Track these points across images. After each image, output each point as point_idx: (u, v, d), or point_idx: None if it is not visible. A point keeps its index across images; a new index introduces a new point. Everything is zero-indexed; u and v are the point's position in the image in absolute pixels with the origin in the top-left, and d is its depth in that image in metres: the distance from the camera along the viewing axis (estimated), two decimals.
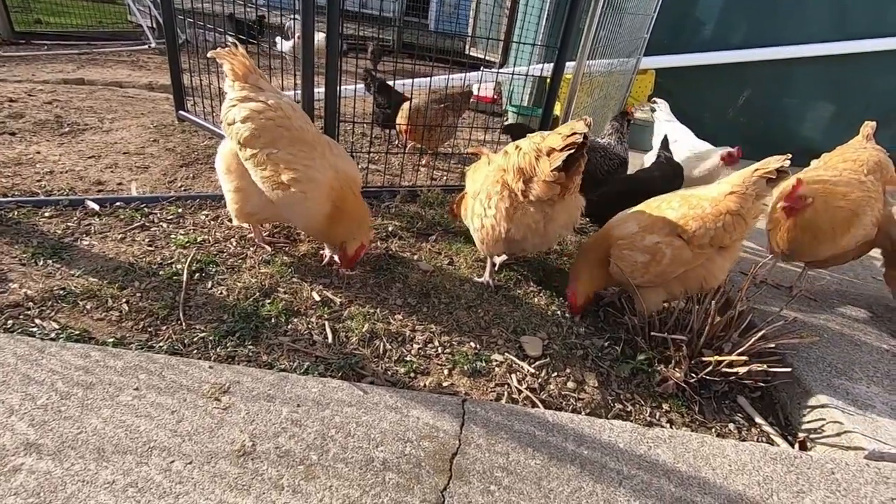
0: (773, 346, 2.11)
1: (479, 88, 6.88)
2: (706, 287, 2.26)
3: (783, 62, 6.25)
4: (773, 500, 1.58)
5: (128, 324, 1.96)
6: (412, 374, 1.98)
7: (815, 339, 2.37)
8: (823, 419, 2.00)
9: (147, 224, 2.66)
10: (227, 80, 2.27)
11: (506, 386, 2.01)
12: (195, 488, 1.34)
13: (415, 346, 2.13)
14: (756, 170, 2.06)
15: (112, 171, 3.29)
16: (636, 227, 2.25)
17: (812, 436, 2.00)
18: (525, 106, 6.08)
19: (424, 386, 1.93)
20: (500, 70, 5.30)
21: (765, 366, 2.06)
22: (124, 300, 2.06)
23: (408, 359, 2.05)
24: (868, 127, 3.01)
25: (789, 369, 2.08)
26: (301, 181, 2.15)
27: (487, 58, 8.53)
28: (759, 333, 2.09)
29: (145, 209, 2.79)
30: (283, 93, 2.34)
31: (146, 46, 8.18)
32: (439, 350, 2.13)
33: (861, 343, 2.47)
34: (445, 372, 2.02)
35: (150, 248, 2.44)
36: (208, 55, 2.32)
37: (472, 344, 2.19)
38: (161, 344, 1.88)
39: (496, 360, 2.12)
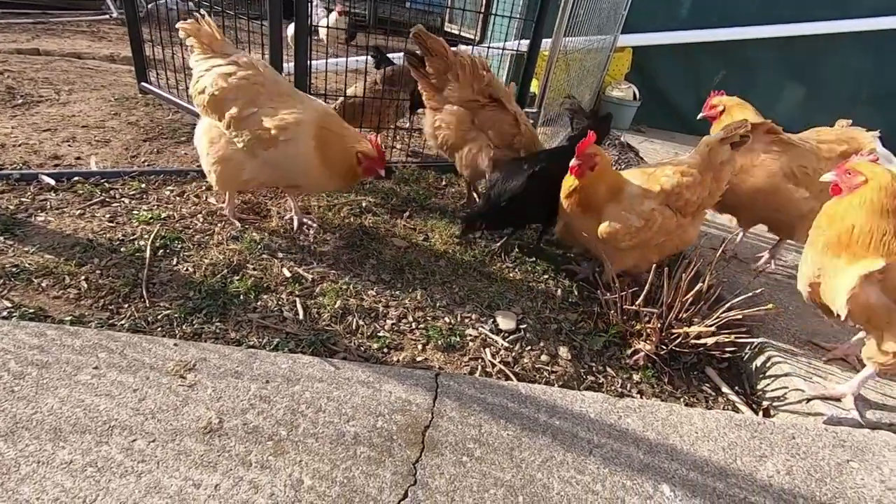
0: (739, 318, 2.15)
1: None
2: (680, 250, 2.44)
3: (756, 42, 6.31)
4: (736, 465, 1.63)
5: (87, 302, 1.88)
6: (385, 350, 1.96)
7: (780, 310, 2.44)
8: (786, 387, 2.06)
9: (108, 200, 2.55)
10: (193, 55, 2.22)
11: (480, 360, 2.01)
12: (158, 466, 1.30)
13: (388, 321, 2.10)
14: (723, 139, 2.15)
15: (70, 145, 3.13)
16: (637, 190, 2.26)
17: (775, 403, 2.07)
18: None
19: (398, 361, 1.92)
20: (476, 45, 5.19)
21: (732, 337, 2.10)
22: (83, 277, 1.97)
23: (381, 334, 2.02)
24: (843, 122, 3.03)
25: (754, 340, 2.13)
26: (288, 127, 2.12)
27: (465, 34, 8.38)
28: (726, 306, 2.13)
29: (106, 184, 2.67)
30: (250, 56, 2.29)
31: (107, 16, 7.77)
32: (413, 325, 2.11)
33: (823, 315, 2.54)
34: (419, 347, 2.01)
35: (111, 225, 2.34)
36: (177, 26, 2.25)
37: (447, 319, 2.18)
38: (123, 322, 1.81)
39: (470, 335, 2.12)
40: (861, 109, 6.51)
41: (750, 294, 2.18)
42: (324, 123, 2.23)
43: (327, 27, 6.69)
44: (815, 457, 1.71)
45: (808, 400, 1.94)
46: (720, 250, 2.37)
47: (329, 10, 7.81)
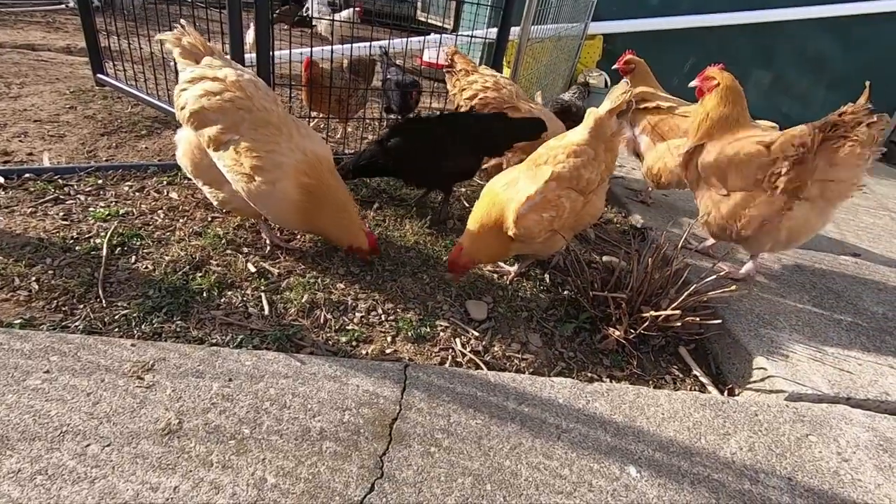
0: (705, 300, 2.19)
1: (429, 54, 6.69)
2: (591, 222, 2.51)
3: (726, 29, 6.39)
4: (701, 444, 1.66)
5: (38, 304, 1.80)
6: (354, 343, 1.93)
7: (744, 290, 2.49)
8: (750, 366, 2.11)
9: (62, 197, 2.44)
10: (179, 65, 2.11)
11: (450, 350, 2.00)
12: (113, 471, 1.26)
13: (357, 314, 2.08)
14: (611, 110, 2.09)
15: (21, 141, 2.99)
16: (533, 186, 2.13)
17: (740, 382, 2.12)
18: None
19: (367, 354, 1.90)
20: (444, 34, 5.13)
21: (697, 319, 2.14)
22: (34, 278, 1.89)
23: (349, 328, 2.00)
24: None
25: (719, 321, 2.17)
26: (266, 169, 1.96)
27: (438, 23, 8.29)
28: (691, 288, 2.16)
29: (60, 181, 2.56)
30: (244, 69, 2.14)
31: (63, 6, 7.45)
32: (383, 318, 2.09)
33: (786, 295, 2.62)
34: (389, 339, 1.99)
35: (65, 223, 2.25)
36: (156, 39, 2.14)
37: (417, 310, 2.16)
38: (77, 323, 1.74)
39: (441, 326, 2.11)
40: (825, 94, 6.68)
41: (714, 276, 2.21)
42: (311, 169, 2.06)
43: (339, 21, 6.61)
44: (776, 432, 1.75)
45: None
46: (686, 233, 2.40)
47: (334, 6, 7.65)
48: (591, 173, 2.13)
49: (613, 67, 3.49)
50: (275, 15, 7.29)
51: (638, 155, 3.61)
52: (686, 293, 2.16)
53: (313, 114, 3.73)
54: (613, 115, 2.10)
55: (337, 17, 6.99)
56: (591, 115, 2.13)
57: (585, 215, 2.30)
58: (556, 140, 2.23)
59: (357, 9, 7.13)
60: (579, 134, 2.15)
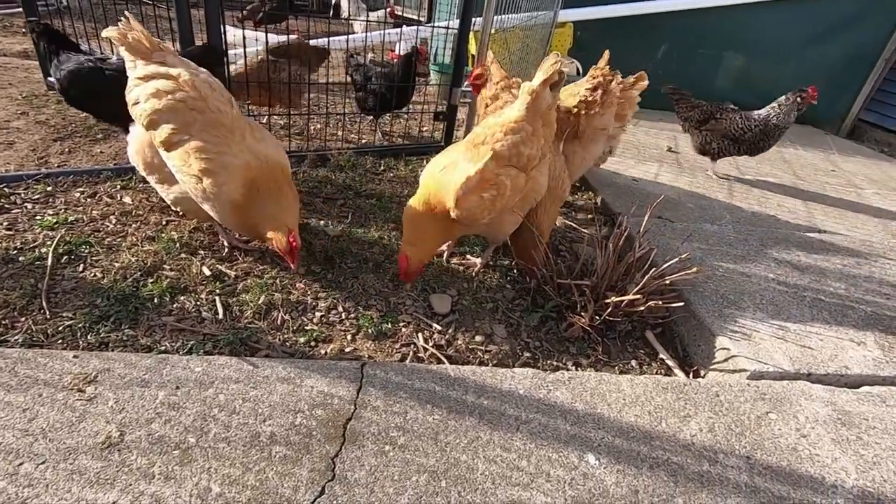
0: (668, 283, 2.18)
1: (399, 47, 6.60)
2: (538, 199, 2.33)
3: (697, 13, 6.39)
4: (661, 427, 1.65)
5: None
6: (313, 343, 1.89)
7: (705, 271, 2.49)
8: (714, 347, 2.11)
9: (7, 206, 2.35)
10: (126, 61, 2.01)
11: (412, 346, 1.97)
12: (47, 490, 1.21)
13: (317, 314, 2.03)
14: (545, 81, 2.02)
15: None
16: (472, 166, 2.06)
17: (705, 363, 2.12)
18: (447, 64, 5.91)
19: (325, 354, 1.86)
20: (406, 26, 5.06)
21: (660, 302, 2.13)
22: None
23: (308, 328, 1.95)
24: None
25: (682, 304, 2.16)
26: (214, 171, 1.89)
27: (412, 16, 8.21)
28: (652, 271, 2.15)
29: (6, 189, 2.46)
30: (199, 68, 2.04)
31: (21, 9, 7.20)
32: (343, 316, 2.05)
33: (751, 275, 2.62)
34: (349, 337, 1.95)
35: (9, 233, 2.16)
36: (102, 35, 2.03)
37: (379, 307, 2.12)
38: (17, 337, 1.68)
39: (403, 321, 2.07)
40: (792, 78, 6.72)
41: (676, 259, 2.20)
42: (260, 168, 1.98)
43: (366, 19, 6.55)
44: (736, 412, 1.75)
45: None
46: (647, 215, 2.38)
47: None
48: (530, 149, 2.07)
49: (466, 85, 3.31)
50: (244, 12, 7.12)
51: None
52: (648, 276, 2.15)
53: (263, 110, 3.62)
54: (547, 87, 2.04)
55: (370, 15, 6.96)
56: (525, 89, 2.05)
57: (531, 192, 2.23)
58: (493, 117, 2.16)
59: (389, 9, 7.06)
60: (516, 110, 2.08)
